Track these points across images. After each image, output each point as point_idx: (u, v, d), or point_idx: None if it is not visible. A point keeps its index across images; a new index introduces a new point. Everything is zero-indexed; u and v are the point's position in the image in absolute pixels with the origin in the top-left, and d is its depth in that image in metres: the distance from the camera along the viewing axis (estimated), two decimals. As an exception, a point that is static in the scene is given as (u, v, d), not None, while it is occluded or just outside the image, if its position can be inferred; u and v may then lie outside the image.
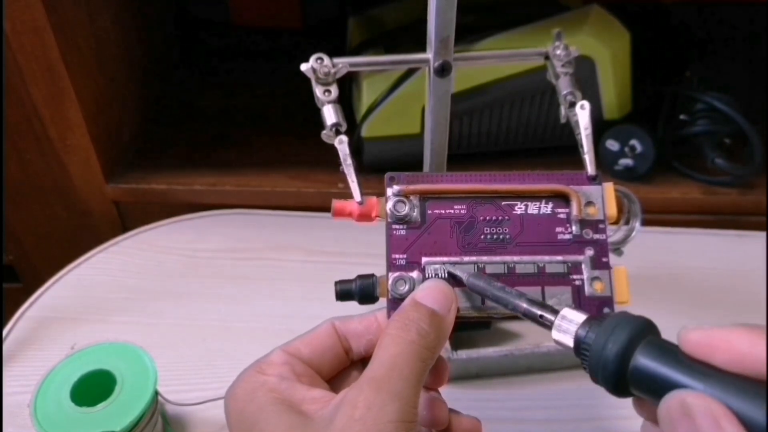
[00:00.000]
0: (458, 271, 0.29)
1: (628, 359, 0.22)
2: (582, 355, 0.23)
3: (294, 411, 0.24)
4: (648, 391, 0.22)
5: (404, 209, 0.30)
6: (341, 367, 0.29)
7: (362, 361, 0.29)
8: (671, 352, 0.22)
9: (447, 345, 0.43)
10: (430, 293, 0.27)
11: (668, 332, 0.46)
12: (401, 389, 0.23)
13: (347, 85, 0.64)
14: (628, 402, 0.45)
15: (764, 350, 0.19)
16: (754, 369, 0.19)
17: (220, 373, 0.44)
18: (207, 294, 0.52)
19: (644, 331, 0.22)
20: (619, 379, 0.22)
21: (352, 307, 0.32)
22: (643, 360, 0.22)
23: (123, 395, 0.36)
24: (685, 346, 0.21)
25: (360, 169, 0.31)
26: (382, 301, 0.31)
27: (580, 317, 0.24)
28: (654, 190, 0.61)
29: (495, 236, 0.30)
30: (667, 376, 0.21)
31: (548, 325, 0.25)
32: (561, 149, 0.60)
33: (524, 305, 0.26)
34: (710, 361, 0.20)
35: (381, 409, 0.23)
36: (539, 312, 0.26)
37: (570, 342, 0.24)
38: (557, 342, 0.25)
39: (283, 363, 0.27)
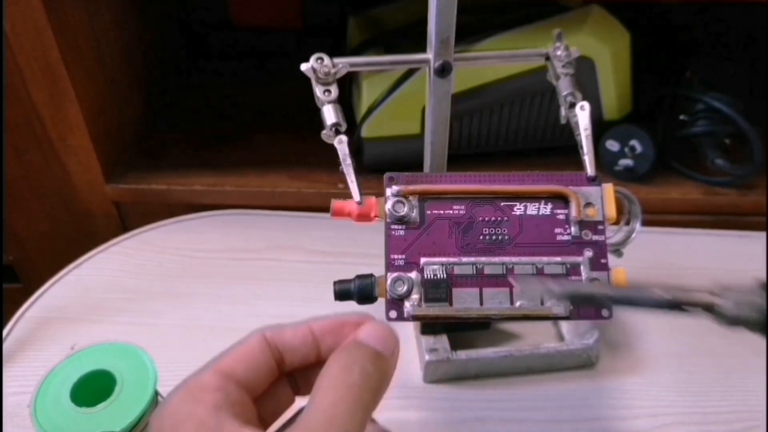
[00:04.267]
0: (557, 287, 0.27)
1: None
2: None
3: None
4: None
5: (403, 209, 0.30)
6: (270, 381, 0.26)
7: (291, 374, 0.27)
8: None
9: (446, 345, 0.43)
10: (375, 333, 0.25)
11: (667, 332, 0.46)
12: None
13: (347, 85, 0.64)
14: (628, 402, 0.45)
15: None
16: None
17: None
18: (207, 294, 0.52)
19: None
20: None
21: (352, 307, 0.32)
22: None
23: (123, 395, 0.36)
24: None
25: (360, 170, 0.31)
26: (381, 302, 0.31)
27: (745, 288, 0.22)
28: (654, 190, 0.61)
29: (494, 237, 0.30)
30: None
31: (715, 310, 0.23)
32: (561, 150, 0.60)
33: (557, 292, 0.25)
34: None
35: None
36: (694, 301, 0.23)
37: (755, 315, 0.22)
38: (736, 322, 0.22)
39: (216, 389, 0.24)
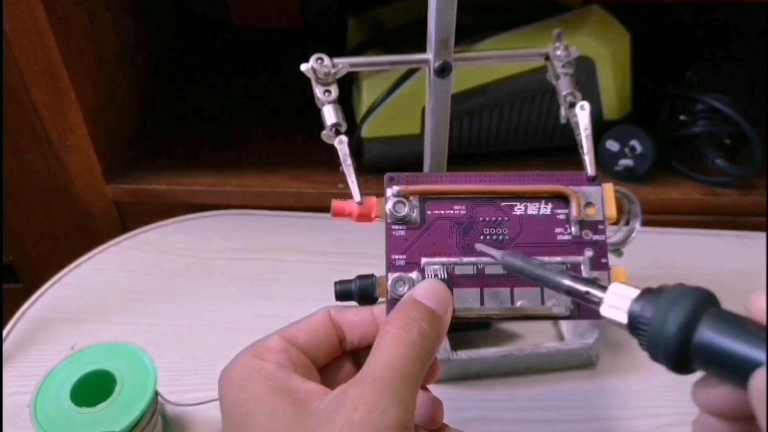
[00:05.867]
0: (492, 251, 0.28)
1: (691, 333, 0.20)
2: (638, 331, 0.22)
3: (290, 403, 0.24)
4: (716, 366, 0.20)
5: (404, 210, 0.30)
6: (333, 356, 0.29)
7: (353, 353, 0.29)
8: (739, 324, 0.20)
9: (447, 345, 0.43)
10: (430, 292, 0.27)
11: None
12: (403, 393, 0.23)
13: (347, 86, 0.64)
14: (628, 402, 0.45)
15: None
16: None
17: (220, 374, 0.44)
18: (207, 294, 0.52)
19: (706, 303, 0.21)
20: (683, 355, 0.21)
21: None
22: (709, 333, 0.20)
23: (123, 395, 0.36)
24: (756, 314, 0.20)
25: (360, 170, 0.31)
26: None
27: (632, 292, 0.23)
28: (654, 190, 0.61)
29: (494, 237, 0.30)
30: (738, 350, 0.19)
31: (596, 302, 0.24)
32: (561, 150, 0.60)
33: (567, 282, 0.25)
34: None
35: (383, 413, 0.22)
36: (585, 288, 0.24)
37: (623, 319, 0.23)
38: (607, 319, 0.23)
39: (280, 350, 0.26)
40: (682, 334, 0.20)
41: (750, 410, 0.19)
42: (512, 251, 0.28)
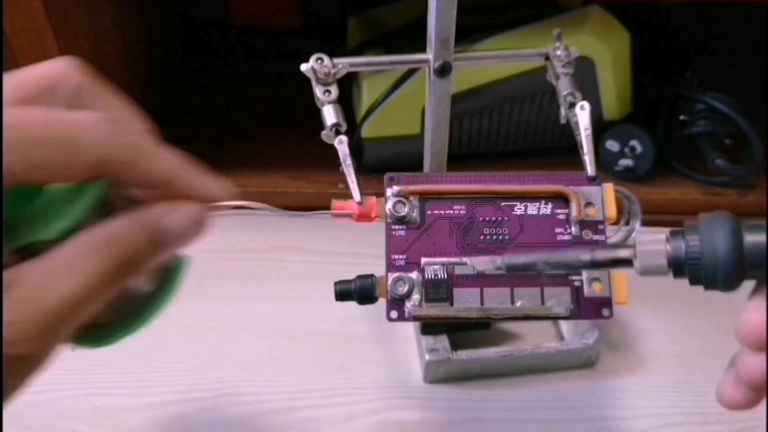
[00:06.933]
0: (486, 263, 0.29)
1: (742, 245, 0.22)
2: (690, 265, 0.23)
3: None
4: None
5: (404, 210, 0.30)
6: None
7: None
8: None
9: (447, 345, 0.43)
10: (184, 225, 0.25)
11: (667, 332, 0.46)
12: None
13: (347, 86, 0.64)
14: (628, 402, 0.45)
15: None
16: None
17: (220, 374, 0.44)
18: (207, 294, 0.51)
19: (737, 220, 0.23)
20: (741, 266, 0.22)
21: (352, 306, 0.32)
22: (755, 237, 0.22)
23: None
24: None
25: (360, 170, 0.31)
26: (382, 302, 0.31)
27: (659, 237, 0.23)
28: (654, 190, 0.61)
29: (494, 237, 0.30)
30: None
31: (629, 261, 0.24)
32: (561, 150, 0.60)
33: (587, 257, 0.25)
34: None
35: None
36: (609, 256, 0.25)
37: (665, 264, 0.23)
38: (646, 271, 0.24)
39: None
40: (737, 248, 0.22)
41: None
42: (507, 254, 0.28)
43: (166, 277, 0.29)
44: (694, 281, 0.23)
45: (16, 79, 0.23)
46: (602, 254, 0.25)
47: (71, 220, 0.22)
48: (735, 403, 0.24)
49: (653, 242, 0.23)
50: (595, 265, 0.25)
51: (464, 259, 0.30)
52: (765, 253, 0.21)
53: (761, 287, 0.23)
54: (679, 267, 0.23)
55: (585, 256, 0.25)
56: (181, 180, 0.24)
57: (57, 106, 0.23)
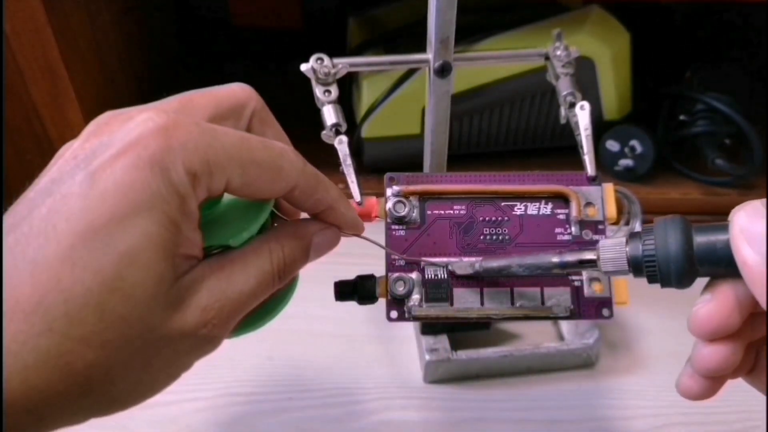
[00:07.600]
0: (470, 269, 0.29)
1: (692, 245, 0.23)
2: (647, 265, 0.24)
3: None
4: (716, 260, 0.23)
5: (404, 210, 0.30)
6: None
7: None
8: (721, 226, 0.23)
9: (447, 345, 0.43)
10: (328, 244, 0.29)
11: (667, 332, 0.46)
12: None
13: (347, 86, 0.64)
14: (628, 402, 0.45)
15: None
16: None
17: (220, 373, 0.44)
18: (207, 294, 0.51)
19: (688, 223, 0.24)
20: (691, 265, 0.23)
21: (353, 306, 0.32)
22: (704, 237, 0.23)
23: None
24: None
25: (360, 170, 0.31)
26: (382, 302, 0.31)
27: (620, 241, 0.25)
28: (654, 190, 0.61)
29: (494, 237, 0.30)
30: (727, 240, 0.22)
31: (593, 261, 0.25)
32: (561, 150, 0.60)
33: (556, 259, 0.26)
34: None
35: None
36: (576, 257, 0.26)
37: (625, 264, 0.24)
38: (609, 272, 0.25)
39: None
40: (686, 247, 0.23)
41: (748, 306, 0.23)
42: (486, 259, 0.29)
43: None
44: (651, 279, 0.24)
45: (212, 98, 0.27)
46: (569, 256, 0.26)
47: (254, 232, 0.26)
48: (691, 393, 0.26)
49: (614, 244, 0.25)
50: (563, 266, 0.26)
51: (452, 260, 0.30)
52: (713, 251, 0.23)
53: (712, 283, 0.24)
54: (637, 266, 0.24)
55: (554, 258, 0.26)
56: (336, 208, 0.27)
57: (241, 127, 0.27)
